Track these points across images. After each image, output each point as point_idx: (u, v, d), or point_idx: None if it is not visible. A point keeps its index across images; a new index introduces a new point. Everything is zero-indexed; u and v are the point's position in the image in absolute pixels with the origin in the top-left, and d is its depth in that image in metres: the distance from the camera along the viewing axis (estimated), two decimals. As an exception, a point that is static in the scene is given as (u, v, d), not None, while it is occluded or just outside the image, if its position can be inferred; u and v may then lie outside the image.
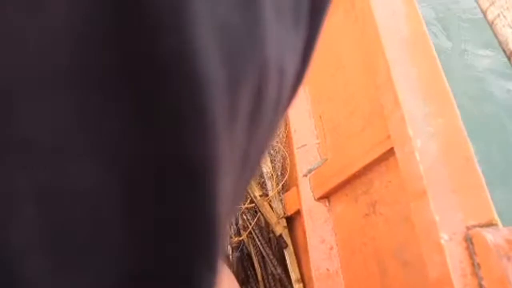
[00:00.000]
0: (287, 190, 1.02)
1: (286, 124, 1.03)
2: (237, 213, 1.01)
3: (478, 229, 0.51)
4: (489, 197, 0.55)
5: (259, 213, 0.99)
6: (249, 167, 0.14)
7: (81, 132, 0.08)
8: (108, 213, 0.09)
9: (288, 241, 0.96)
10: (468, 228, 0.52)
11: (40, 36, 0.07)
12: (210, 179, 0.10)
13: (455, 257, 0.51)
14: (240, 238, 0.98)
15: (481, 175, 0.56)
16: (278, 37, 0.12)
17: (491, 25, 0.56)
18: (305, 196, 0.91)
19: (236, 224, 0.99)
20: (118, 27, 0.08)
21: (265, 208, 0.98)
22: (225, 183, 0.11)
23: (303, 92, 1.04)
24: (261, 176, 1.04)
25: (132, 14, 0.08)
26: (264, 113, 0.13)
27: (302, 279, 0.92)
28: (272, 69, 0.12)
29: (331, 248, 0.85)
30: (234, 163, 0.12)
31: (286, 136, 1.04)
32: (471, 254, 0.50)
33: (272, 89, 0.12)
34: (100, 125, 0.08)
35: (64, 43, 0.08)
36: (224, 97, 0.10)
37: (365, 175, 0.78)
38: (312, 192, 0.91)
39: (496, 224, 0.53)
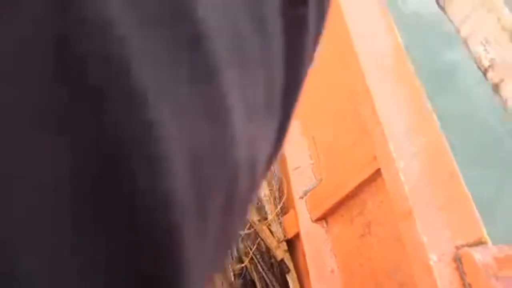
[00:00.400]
0: (285, 213, 1.02)
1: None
2: (238, 240, 1.01)
3: (467, 248, 0.51)
4: (477, 213, 0.54)
5: (259, 238, 0.99)
6: (221, 250, 0.14)
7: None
8: None
9: (290, 265, 0.95)
10: (457, 248, 0.51)
11: None
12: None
13: (444, 278, 0.50)
14: (242, 265, 0.97)
15: (467, 191, 0.56)
16: (250, 135, 0.13)
17: (464, 42, 0.57)
18: (303, 218, 0.91)
19: (237, 251, 0.99)
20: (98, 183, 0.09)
21: (265, 233, 0.97)
22: (197, 282, 0.12)
23: (296, 114, 1.05)
24: (259, 200, 1.04)
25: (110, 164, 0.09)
26: (236, 204, 0.13)
27: (306, 303, 0.91)
28: (244, 167, 0.13)
29: (332, 271, 0.84)
30: (206, 254, 0.13)
31: (282, 158, 1.05)
32: (461, 274, 0.50)
33: (243, 183, 0.13)
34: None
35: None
36: (193, 212, 0.11)
37: (358, 195, 0.78)
38: (309, 213, 0.91)
39: (485, 242, 0.52)
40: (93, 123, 0.09)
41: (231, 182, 0.12)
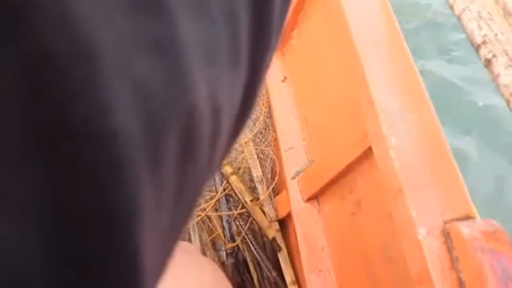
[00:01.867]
0: (278, 193, 1.02)
1: (274, 128, 1.04)
2: (230, 219, 1.01)
3: (455, 222, 0.52)
4: (466, 189, 0.55)
5: (251, 218, 0.99)
6: (184, 201, 0.14)
7: None
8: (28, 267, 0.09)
9: (282, 244, 0.96)
10: (445, 222, 0.52)
11: None
12: (133, 228, 0.10)
13: (433, 252, 0.51)
14: (234, 244, 0.98)
15: (457, 168, 0.56)
16: (210, 78, 0.12)
17: (458, 19, 0.57)
18: (295, 199, 0.91)
19: (230, 230, 1.00)
20: (28, 98, 0.08)
21: (257, 213, 0.98)
22: (153, 226, 0.11)
23: (288, 94, 1.05)
24: (252, 180, 1.05)
25: (43, 83, 0.08)
26: (197, 151, 0.13)
27: (297, 281, 0.92)
28: (203, 109, 0.12)
29: (323, 249, 0.85)
30: (164, 201, 0.12)
31: (275, 140, 1.05)
32: (449, 248, 0.50)
33: (204, 128, 0.13)
34: (11, 191, 0.09)
35: None
36: (143, 148, 0.10)
37: (349, 174, 0.78)
38: (301, 194, 0.91)
39: (473, 217, 0.53)
40: (26, 44, 0.08)
41: (188, 124, 0.12)
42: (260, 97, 1.08)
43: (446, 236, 0.51)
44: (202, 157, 0.13)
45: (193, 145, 0.12)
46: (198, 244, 0.97)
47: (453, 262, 0.49)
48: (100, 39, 0.09)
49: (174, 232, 0.14)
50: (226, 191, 1.00)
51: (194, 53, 0.11)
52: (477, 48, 0.55)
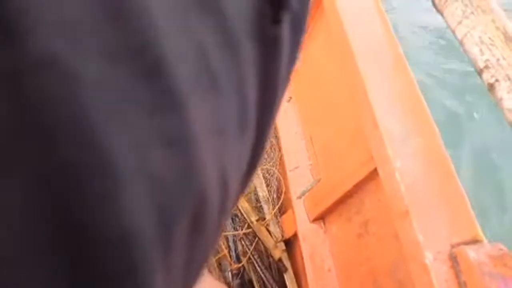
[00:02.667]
0: (283, 213, 1.02)
1: (279, 147, 1.05)
2: (235, 239, 1.01)
3: (462, 246, 0.51)
4: (472, 212, 0.55)
5: (257, 238, 0.99)
6: (194, 268, 0.15)
7: None
8: None
9: (288, 264, 0.96)
10: (452, 246, 0.52)
11: None
12: None
13: (440, 277, 0.50)
14: (240, 265, 0.98)
15: (463, 190, 0.56)
16: (220, 155, 0.13)
17: (460, 44, 0.58)
18: (301, 218, 0.91)
19: (235, 250, 0.99)
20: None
21: (263, 233, 0.98)
22: None
23: (293, 114, 1.06)
24: (258, 200, 1.05)
25: (63, 191, 0.09)
26: (207, 226, 0.13)
27: (304, 303, 0.91)
28: (212, 190, 0.12)
29: (329, 270, 0.85)
30: (174, 276, 0.13)
31: (280, 159, 1.05)
32: (457, 272, 0.50)
33: (214, 204, 0.13)
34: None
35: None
36: (156, 242, 0.11)
37: (356, 194, 0.78)
38: (307, 214, 0.91)
39: (481, 241, 0.53)
40: (46, 159, 0.08)
41: (199, 206, 0.12)
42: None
43: (454, 260, 0.51)
44: (211, 228, 0.14)
45: (203, 222, 0.13)
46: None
47: (461, 287, 0.49)
48: (116, 145, 0.09)
49: None
50: (232, 210, 1.00)
51: (205, 135, 0.12)
52: (479, 73, 0.55)
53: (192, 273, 0.14)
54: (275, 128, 1.07)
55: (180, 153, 0.11)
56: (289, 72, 0.17)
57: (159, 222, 0.11)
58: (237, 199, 0.17)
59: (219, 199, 0.13)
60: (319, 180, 0.92)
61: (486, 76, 0.53)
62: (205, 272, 0.74)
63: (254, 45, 0.14)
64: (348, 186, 0.77)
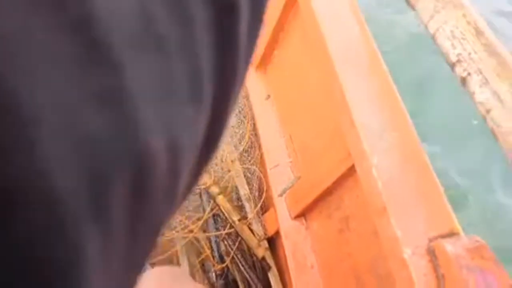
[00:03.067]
0: (265, 211, 1.02)
1: (259, 145, 1.04)
2: (218, 240, 1.00)
3: (440, 240, 0.52)
4: (448, 205, 0.55)
5: (239, 238, 0.98)
6: (142, 241, 0.14)
7: None
8: None
9: (271, 263, 0.96)
10: (430, 240, 0.52)
11: None
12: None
13: (419, 271, 0.51)
14: (223, 265, 0.97)
15: (438, 184, 0.57)
16: (167, 122, 0.12)
17: (432, 38, 0.58)
18: (282, 216, 0.91)
19: (218, 251, 0.98)
20: None
21: (245, 232, 0.97)
22: (104, 272, 0.12)
23: (272, 113, 1.05)
24: (239, 199, 1.04)
25: None
26: (151, 193, 0.13)
27: (288, 300, 0.91)
28: (157, 152, 0.12)
29: (312, 267, 0.85)
30: (117, 246, 0.12)
31: (261, 157, 1.05)
32: (435, 266, 0.51)
33: (160, 169, 0.12)
34: None
35: None
36: (86, 203, 0.10)
37: (335, 191, 0.79)
38: (289, 211, 0.91)
39: (457, 233, 0.54)
40: None
41: (138, 168, 0.11)
42: (245, 115, 1.09)
43: (432, 254, 0.51)
44: (158, 198, 0.13)
45: (146, 188, 0.12)
46: (187, 267, 0.96)
47: (439, 280, 0.49)
48: (35, 100, 0.09)
49: (134, 270, 0.14)
50: (214, 211, 0.99)
51: (146, 97, 0.11)
52: (452, 66, 0.56)
53: (141, 245, 0.14)
54: (255, 126, 1.06)
55: (114, 111, 0.10)
56: (250, 47, 0.16)
57: (90, 184, 0.10)
58: (193, 179, 0.16)
59: (168, 165, 0.13)
60: (299, 178, 0.92)
61: (458, 70, 0.54)
62: (188, 277, 0.72)
63: (208, 9, 0.14)
64: (327, 183, 0.77)
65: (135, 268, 0.15)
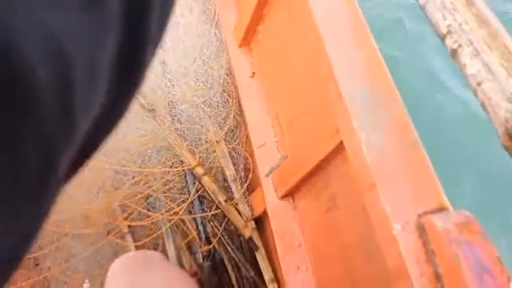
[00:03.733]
0: (252, 191, 1.00)
1: (245, 125, 1.02)
2: (204, 221, 0.99)
3: (429, 216, 0.51)
4: (437, 181, 0.55)
5: (226, 218, 0.97)
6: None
7: None
8: None
9: (259, 243, 0.95)
10: (419, 216, 0.52)
11: None
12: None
13: (409, 247, 0.50)
14: (210, 246, 0.96)
15: (428, 159, 0.56)
16: (50, 26, 0.12)
17: (422, 9, 0.56)
18: (269, 196, 0.90)
19: (205, 232, 0.97)
20: None
21: (232, 213, 0.96)
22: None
23: (257, 90, 1.03)
24: (225, 180, 1.02)
25: None
26: (32, 100, 0.12)
27: (276, 279, 0.91)
28: (32, 59, 0.11)
29: (300, 246, 0.85)
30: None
31: (246, 137, 1.02)
32: (425, 242, 0.50)
33: (41, 78, 0.12)
34: None
35: None
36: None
37: (323, 169, 0.77)
38: (276, 191, 0.90)
39: (446, 208, 0.53)
40: None
41: (11, 77, 0.11)
42: (230, 94, 1.06)
43: (421, 230, 0.51)
44: (45, 105, 0.12)
45: (22, 95, 0.12)
46: (173, 249, 0.95)
47: (429, 256, 0.49)
48: None
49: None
50: (199, 192, 0.97)
51: (26, 2, 0.11)
52: (443, 38, 0.54)
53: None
54: (240, 106, 1.04)
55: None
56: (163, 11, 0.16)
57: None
58: (119, 98, 0.16)
59: (54, 75, 0.12)
60: (286, 157, 0.90)
61: (449, 41, 0.52)
62: (164, 260, 0.71)
63: None
64: (315, 161, 0.76)
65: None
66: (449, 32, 0.52)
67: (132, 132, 0.90)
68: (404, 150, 0.56)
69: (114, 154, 0.85)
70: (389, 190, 0.53)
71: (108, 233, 0.91)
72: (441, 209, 0.53)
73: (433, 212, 0.52)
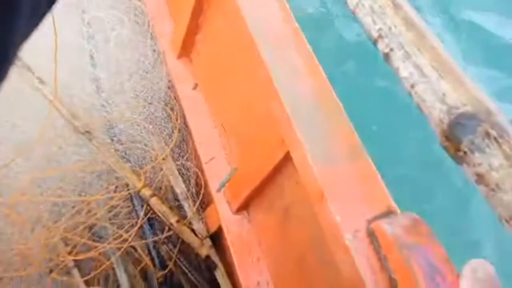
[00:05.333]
0: (206, 207, 0.97)
1: (192, 139, 0.98)
2: (157, 245, 0.93)
3: (378, 221, 0.51)
4: (383, 185, 0.55)
5: (180, 239, 0.93)
6: None
7: None
8: None
9: (217, 260, 0.92)
10: (369, 222, 0.52)
11: None
12: None
13: (361, 255, 0.50)
14: (166, 271, 0.91)
15: (372, 164, 0.56)
16: None
17: (353, 14, 0.56)
18: (223, 211, 0.87)
19: (158, 257, 0.92)
20: None
21: (186, 233, 0.92)
22: None
23: (202, 103, 1.00)
24: (176, 198, 0.98)
25: None
26: None
27: (238, 296, 0.88)
28: None
29: (258, 260, 0.82)
30: None
31: (194, 151, 0.99)
32: (376, 248, 0.50)
33: None
34: None
35: None
36: None
37: (274, 179, 0.76)
38: (229, 205, 0.87)
39: (394, 211, 0.53)
40: None
41: None
42: (172, 107, 1.01)
43: (372, 236, 0.50)
44: None
45: None
46: (125, 279, 0.89)
47: (382, 262, 0.49)
48: None
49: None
50: (148, 215, 0.92)
51: None
52: (374, 42, 0.55)
53: None
54: (185, 119, 1.00)
55: None
56: None
57: None
58: None
59: None
60: (236, 170, 0.88)
61: (381, 45, 0.52)
62: None
63: None
64: (266, 171, 0.74)
65: None
66: (380, 36, 0.52)
67: (67, 158, 0.83)
68: (348, 157, 0.55)
69: (48, 185, 0.78)
70: (337, 198, 0.53)
71: (51, 271, 0.83)
72: (389, 212, 0.53)
73: (381, 216, 0.52)
